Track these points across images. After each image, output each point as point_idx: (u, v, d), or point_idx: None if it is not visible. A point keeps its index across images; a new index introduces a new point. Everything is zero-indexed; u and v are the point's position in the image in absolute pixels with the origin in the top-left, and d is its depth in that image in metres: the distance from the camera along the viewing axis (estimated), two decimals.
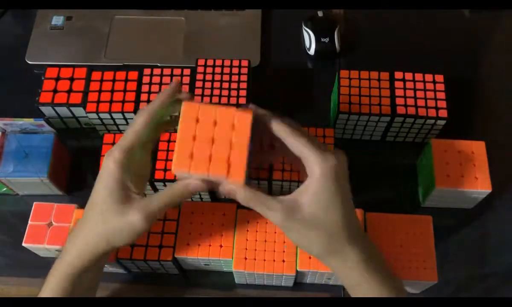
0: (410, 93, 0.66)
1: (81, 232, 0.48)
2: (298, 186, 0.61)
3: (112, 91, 0.67)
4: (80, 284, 0.48)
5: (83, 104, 0.66)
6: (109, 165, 0.45)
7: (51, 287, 0.48)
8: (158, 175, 0.62)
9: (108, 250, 0.48)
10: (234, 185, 0.43)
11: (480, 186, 0.60)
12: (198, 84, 0.67)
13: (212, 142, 0.43)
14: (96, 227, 0.47)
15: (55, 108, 0.67)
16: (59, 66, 0.69)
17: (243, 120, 0.43)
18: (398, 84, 0.66)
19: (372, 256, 0.46)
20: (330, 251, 0.45)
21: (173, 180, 0.61)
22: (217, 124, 0.43)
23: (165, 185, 0.63)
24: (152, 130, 0.48)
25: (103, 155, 0.62)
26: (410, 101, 0.65)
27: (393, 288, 0.46)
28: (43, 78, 0.68)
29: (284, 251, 0.57)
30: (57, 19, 0.80)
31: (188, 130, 0.43)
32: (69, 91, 0.67)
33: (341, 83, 0.66)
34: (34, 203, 0.61)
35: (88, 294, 0.52)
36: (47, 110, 0.68)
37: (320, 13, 0.78)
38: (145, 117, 0.46)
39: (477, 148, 0.63)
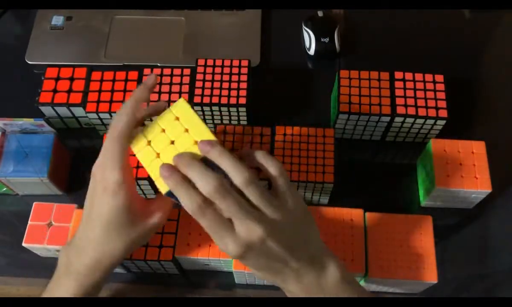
0: (410, 93, 0.66)
1: (90, 248, 0.47)
2: (298, 187, 0.62)
3: (112, 91, 0.67)
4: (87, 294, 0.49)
5: (83, 104, 0.66)
6: (113, 187, 0.46)
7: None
8: None
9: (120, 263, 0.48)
10: None
11: (480, 186, 0.60)
12: (198, 84, 0.67)
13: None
14: (109, 244, 0.47)
15: (55, 108, 0.67)
16: (59, 66, 0.69)
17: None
18: (398, 84, 0.66)
19: (318, 283, 0.46)
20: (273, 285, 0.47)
21: None
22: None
23: None
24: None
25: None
26: (410, 101, 0.65)
27: None
28: (43, 78, 0.68)
29: None
30: (57, 19, 0.80)
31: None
32: (69, 91, 0.67)
33: (341, 83, 0.66)
34: (34, 203, 0.61)
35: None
36: (47, 110, 0.68)
37: (320, 13, 0.78)
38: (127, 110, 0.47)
39: (477, 148, 0.63)
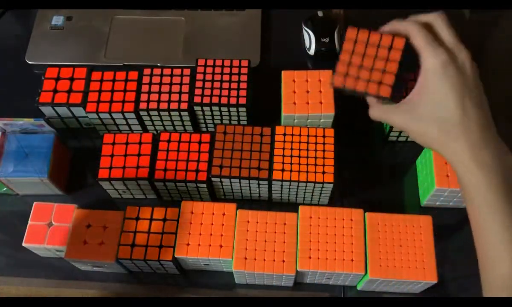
0: None
1: None
2: (298, 187, 0.62)
3: (112, 91, 0.67)
4: None
5: (83, 104, 0.66)
6: None
7: None
8: (158, 175, 0.62)
9: None
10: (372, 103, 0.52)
11: None
12: (198, 84, 0.67)
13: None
14: None
15: (55, 108, 0.67)
16: (59, 66, 0.69)
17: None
18: None
19: (487, 158, 0.45)
20: (440, 144, 0.47)
21: (173, 180, 0.61)
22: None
23: (165, 185, 0.63)
24: None
25: (103, 155, 0.63)
26: None
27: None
28: (43, 78, 0.68)
29: (284, 251, 0.57)
30: (57, 19, 0.80)
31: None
32: (69, 91, 0.67)
33: None
34: (34, 203, 0.61)
35: None
36: (47, 110, 0.68)
37: (320, 13, 0.78)
38: None
39: None
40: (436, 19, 0.49)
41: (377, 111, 0.51)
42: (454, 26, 0.49)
